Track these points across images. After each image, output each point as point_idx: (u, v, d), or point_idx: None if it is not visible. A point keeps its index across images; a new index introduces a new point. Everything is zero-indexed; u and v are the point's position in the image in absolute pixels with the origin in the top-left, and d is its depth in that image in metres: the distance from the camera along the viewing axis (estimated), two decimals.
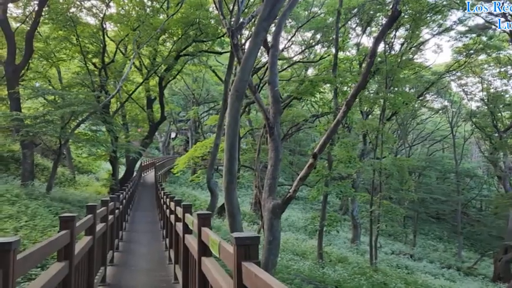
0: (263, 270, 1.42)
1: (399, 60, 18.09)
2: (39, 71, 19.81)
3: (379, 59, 22.59)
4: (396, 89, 17.61)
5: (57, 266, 2.83)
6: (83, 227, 3.57)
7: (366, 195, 17.53)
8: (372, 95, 21.81)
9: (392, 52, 22.24)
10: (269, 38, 9.83)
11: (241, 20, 8.55)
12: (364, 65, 21.81)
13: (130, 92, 21.50)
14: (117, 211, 7.06)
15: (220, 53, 22.68)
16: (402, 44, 24.06)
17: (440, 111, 41.10)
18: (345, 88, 17.01)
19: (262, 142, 16.73)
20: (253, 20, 11.98)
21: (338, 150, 14.72)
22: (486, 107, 33.30)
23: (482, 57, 29.62)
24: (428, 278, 18.49)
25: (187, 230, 3.87)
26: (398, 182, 19.77)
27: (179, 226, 4.49)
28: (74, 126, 14.53)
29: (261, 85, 21.42)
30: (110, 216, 5.88)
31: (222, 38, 21.46)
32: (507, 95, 31.13)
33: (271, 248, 6.96)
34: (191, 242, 3.45)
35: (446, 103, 39.38)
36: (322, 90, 13.88)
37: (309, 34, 26.44)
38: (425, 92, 28.09)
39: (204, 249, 2.81)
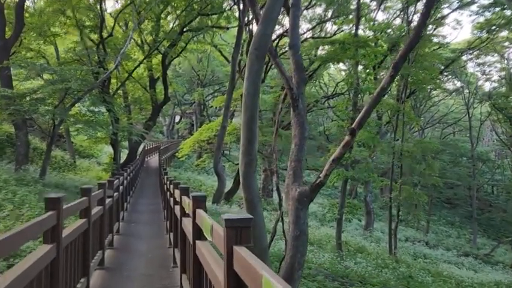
0: None
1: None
2: (33, 48, 18.43)
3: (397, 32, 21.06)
4: (419, 64, 16.08)
5: None
6: (43, 228, 2.41)
7: (385, 180, 16.22)
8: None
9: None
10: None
11: None
12: (380, 41, 20.23)
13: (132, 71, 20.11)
14: (109, 200, 5.81)
15: (227, 28, 21.16)
16: None
17: (453, 93, 39.54)
18: (360, 67, 15.51)
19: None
20: None
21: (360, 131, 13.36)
22: (505, 87, 31.67)
23: (503, 34, 27.94)
24: (451, 268, 17.33)
25: (198, 235, 2.61)
26: (417, 164, 18.40)
27: (187, 225, 3.21)
28: (69, 105, 13.23)
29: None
30: (97, 209, 4.64)
31: (229, 11, 19.96)
32: None
33: (298, 244, 5.70)
34: (205, 254, 2.19)
35: (460, 84, 37.72)
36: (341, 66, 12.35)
37: (319, 11, 24.83)
38: (444, 70, 26.44)
39: (238, 284, 1.55)
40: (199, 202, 2.66)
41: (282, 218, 8.24)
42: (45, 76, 16.22)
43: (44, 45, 19.64)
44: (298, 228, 5.79)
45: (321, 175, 5.86)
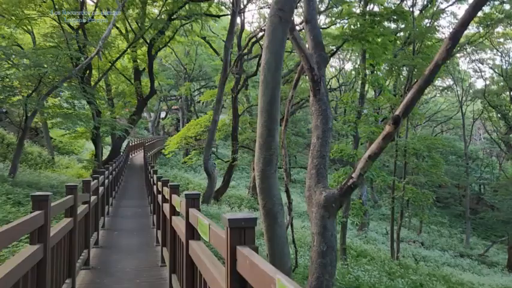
0: None
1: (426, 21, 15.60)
2: (5, 35, 16.80)
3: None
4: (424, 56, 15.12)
5: None
6: None
7: (396, 178, 15.22)
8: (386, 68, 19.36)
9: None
10: None
11: None
12: None
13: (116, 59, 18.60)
14: (84, 207, 4.50)
15: (219, 16, 19.83)
16: (421, 11, 21.65)
17: (445, 90, 39.24)
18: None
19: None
20: None
21: (364, 126, 12.31)
22: (497, 85, 31.27)
23: (499, 29, 27.42)
24: (455, 271, 16.46)
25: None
26: (423, 162, 17.50)
27: (212, 272, 1.88)
28: (44, 94, 11.76)
29: None
30: (65, 221, 3.36)
31: None
32: None
33: (326, 263, 4.51)
34: None
35: (451, 81, 37.37)
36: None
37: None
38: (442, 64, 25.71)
39: None
40: (245, 234, 1.36)
41: (292, 225, 7.07)
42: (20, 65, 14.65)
43: (19, 33, 18.03)
44: (326, 241, 4.59)
45: (353, 175, 4.69)
